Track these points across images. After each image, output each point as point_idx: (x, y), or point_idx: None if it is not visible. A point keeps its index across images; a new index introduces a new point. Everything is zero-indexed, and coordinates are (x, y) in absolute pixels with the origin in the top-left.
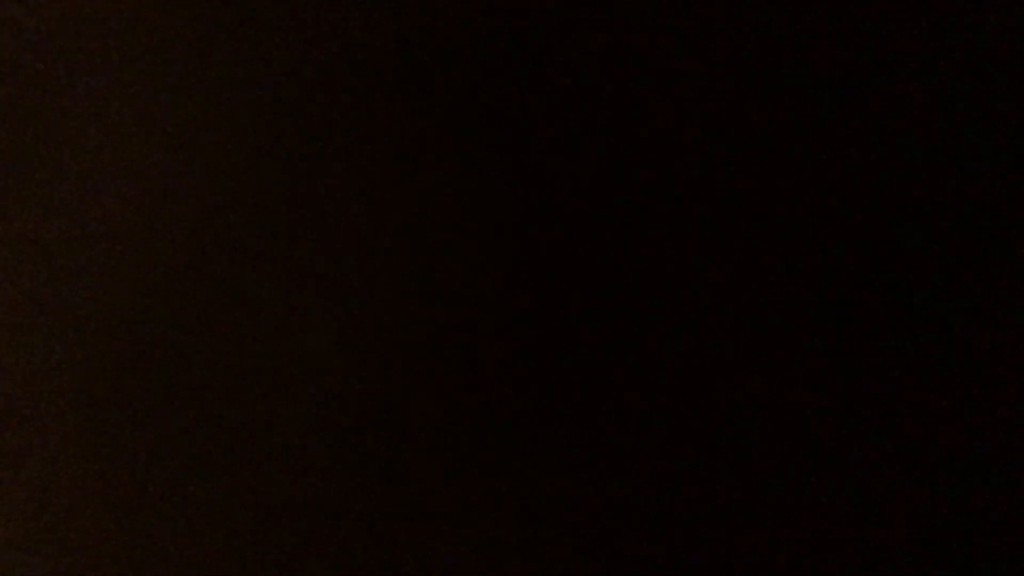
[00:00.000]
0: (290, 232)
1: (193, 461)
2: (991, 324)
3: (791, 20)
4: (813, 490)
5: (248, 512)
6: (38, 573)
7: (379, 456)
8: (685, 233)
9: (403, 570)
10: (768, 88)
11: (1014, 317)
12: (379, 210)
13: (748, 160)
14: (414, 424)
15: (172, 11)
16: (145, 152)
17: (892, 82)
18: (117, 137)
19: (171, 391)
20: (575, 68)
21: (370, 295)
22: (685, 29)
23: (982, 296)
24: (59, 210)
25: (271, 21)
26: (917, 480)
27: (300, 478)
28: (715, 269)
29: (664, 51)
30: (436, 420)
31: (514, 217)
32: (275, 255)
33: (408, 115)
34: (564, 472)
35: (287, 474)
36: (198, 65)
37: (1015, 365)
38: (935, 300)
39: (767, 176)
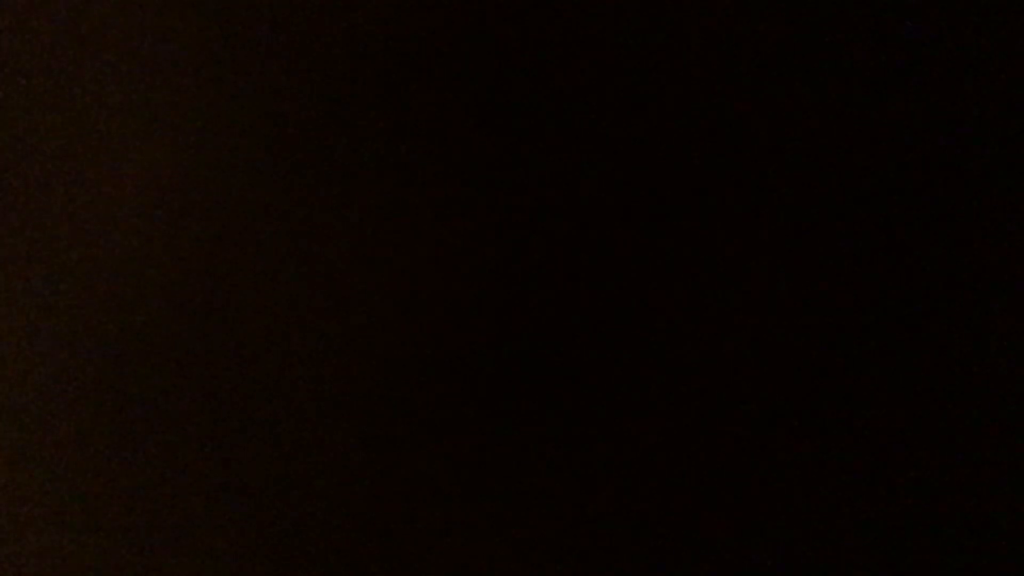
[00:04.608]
0: (291, 232)
1: (194, 461)
2: (991, 324)
3: (791, 20)
4: (813, 490)
5: (249, 512)
6: (39, 572)
7: (381, 456)
8: (685, 234)
9: (403, 570)
10: (768, 88)
11: (1014, 317)
12: (381, 210)
13: (748, 160)
14: (417, 424)
15: (173, 11)
16: (146, 153)
17: (891, 83)
18: (118, 137)
19: (172, 391)
20: (575, 68)
21: (372, 295)
22: (685, 29)
23: (982, 296)
24: (60, 211)
25: (271, 21)
26: (916, 481)
27: (301, 478)
28: (715, 269)
29: (664, 51)
30: (438, 420)
31: (515, 217)
32: (276, 255)
33: (409, 116)
34: (565, 473)
35: (288, 474)
36: (199, 65)
37: (1015, 365)
38: (935, 300)
39: (767, 177)
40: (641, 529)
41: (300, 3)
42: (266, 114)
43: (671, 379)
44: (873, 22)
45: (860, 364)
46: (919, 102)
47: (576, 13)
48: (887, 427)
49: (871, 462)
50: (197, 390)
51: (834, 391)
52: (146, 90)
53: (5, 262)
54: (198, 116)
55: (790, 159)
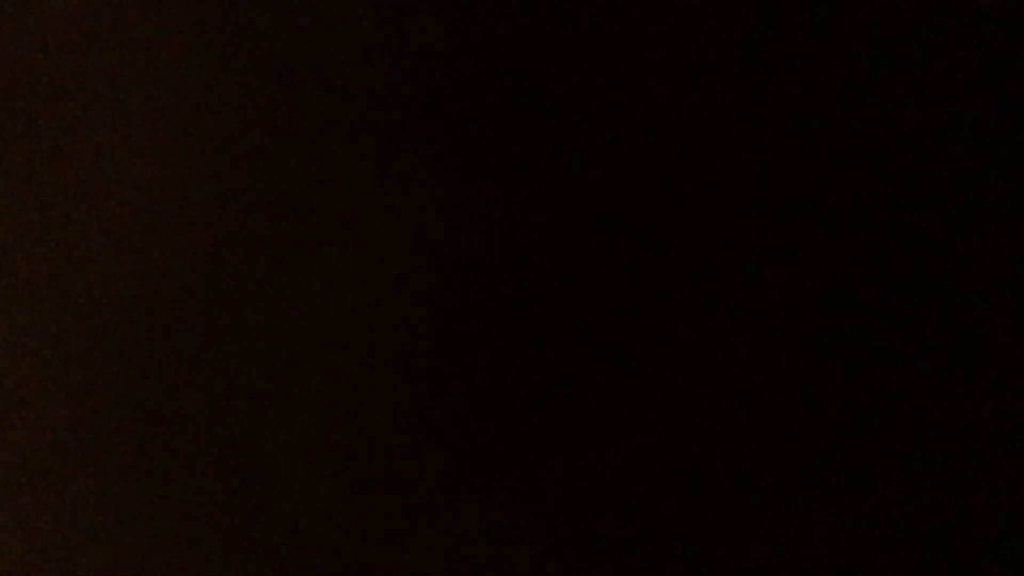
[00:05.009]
0: (291, 233)
1: (194, 460)
2: (991, 325)
3: (791, 20)
4: (812, 490)
5: (249, 512)
6: (39, 571)
7: (381, 456)
8: (685, 234)
9: (403, 570)
10: (768, 88)
11: (1014, 317)
12: (381, 210)
13: (747, 161)
14: (417, 424)
15: (173, 12)
16: (146, 153)
17: (890, 83)
18: (119, 137)
19: (172, 391)
20: (575, 69)
21: (372, 295)
22: (684, 29)
23: (982, 296)
24: (60, 211)
25: (272, 21)
26: (917, 481)
27: (302, 477)
28: (715, 269)
29: (664, 51)
30: (439, 421)
31: (516, 218)
32: (276, 255)
33: (408, 116)
34: (564, 473)
35: (289, 474)
36: (199, 67)
37: (1015, 365)
38: (935, 300)
39: (767, 177)
40: (641, 529)
41: (300, 4)
42: (266, 114)
43: (671, 379)
44: (872, 22)
45: (860, 365)
46: (919, 102)
47: (575, 13)
48: (887, 427)
49: (871, 462)
50: (197, 390)
51: (834, 391)
52: (146, 90)
53: (5, 262)
54: (199, 116)
55: (790, 160)
